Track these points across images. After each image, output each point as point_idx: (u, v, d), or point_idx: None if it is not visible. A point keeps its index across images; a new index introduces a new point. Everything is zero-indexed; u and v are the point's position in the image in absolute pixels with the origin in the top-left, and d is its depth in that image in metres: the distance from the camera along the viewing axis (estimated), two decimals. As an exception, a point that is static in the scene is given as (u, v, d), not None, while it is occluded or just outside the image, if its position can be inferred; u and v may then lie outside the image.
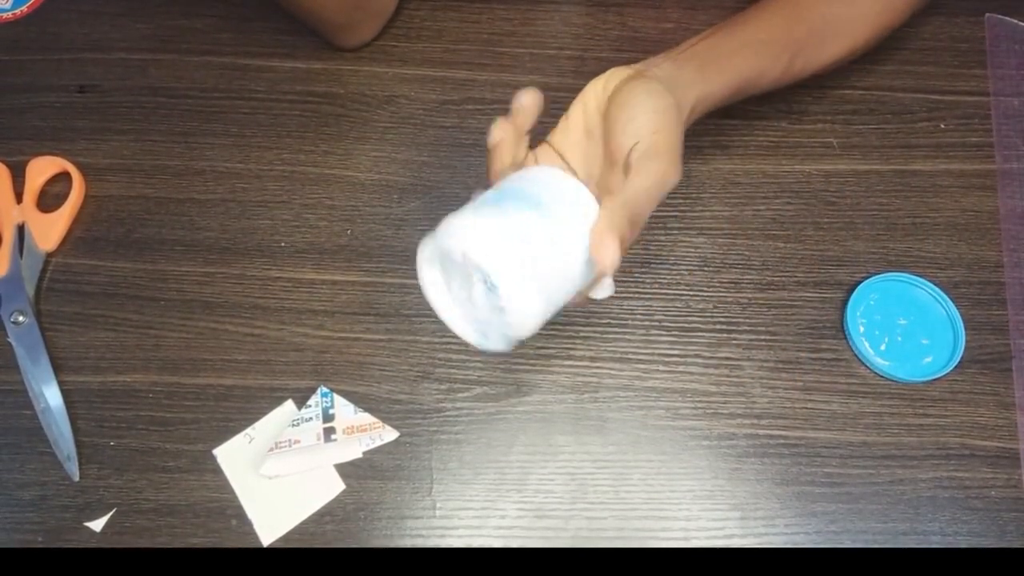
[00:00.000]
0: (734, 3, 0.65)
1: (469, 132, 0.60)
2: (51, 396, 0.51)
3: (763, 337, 0.54)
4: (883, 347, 0.53)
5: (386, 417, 0.51)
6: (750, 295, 0.55)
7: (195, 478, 0.50)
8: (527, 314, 0.38)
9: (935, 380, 0.53)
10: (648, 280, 0.55)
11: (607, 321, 0.54)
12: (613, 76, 0.46)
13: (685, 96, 0.46)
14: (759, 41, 0.51)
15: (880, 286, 0.55)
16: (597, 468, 0.50)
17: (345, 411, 0.51)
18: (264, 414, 0.51)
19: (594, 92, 0.46)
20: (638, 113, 0.42)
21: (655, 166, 0.41)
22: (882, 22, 0.55)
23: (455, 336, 0.53)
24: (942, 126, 0.61)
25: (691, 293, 0.55)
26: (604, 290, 0.52)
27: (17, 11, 0.64)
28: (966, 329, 0.54)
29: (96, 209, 0.57)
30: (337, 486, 0.50)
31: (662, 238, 0.56)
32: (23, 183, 0.57)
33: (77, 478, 0.49)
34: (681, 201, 0.58)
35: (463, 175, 0.59)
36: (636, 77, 0.44)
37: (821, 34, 0.53)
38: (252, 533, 0.48)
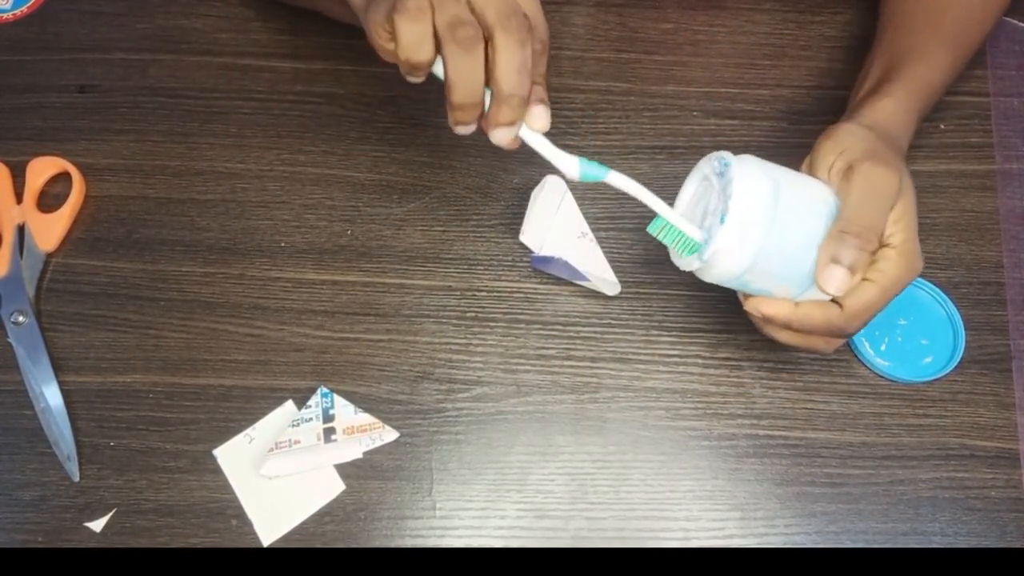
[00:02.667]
0: (734, 3, 0.65)
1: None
2: (51, 396, 0.51)
3: (763, 337, 0.54)
4: (883, 347, 0.53)
5: (386, 417, 0.51)
6: (750, 295, 0.55)
7: (195, 478, 0.50)
8: (741, 183, 0.42)
9: (935, 380, 0.53)
10: (648, 280, 0.55)
11: (607, 321, 0.54)
12: (847, 137, 0.45)
13: (907, 133, 0.49)
14: (921, 49, 0.53)
15: (880, 286, 0.55)
16: (597, 468, 0.50)
17: (345, 411, 0.51)
18: (264, 414, 0.51)
19: (826, 158, 0.46)
20: (900, 214, 0.43)
21: (905, 263, 0.43)
22: None
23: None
24: (942, 126, 0.61)
25: (691, 293, 0.55)
26: (610, 288, 0.53)
27: (17, 11, 0.64)
28: (966, 329, 0.54)
29: (96, 209, 0.57)
30: (337, 486, 0.50)
31: (662, 238, 0.56)
32: (23, 183, 0.57)
33: (77, 478, 0.49)
34: (681, 201, 0.58)
35: (463, 175, 0.59)
36: (878, 161, 0.44)
37: (968, 18, 0.55)
38: (252, 533, 0.48)
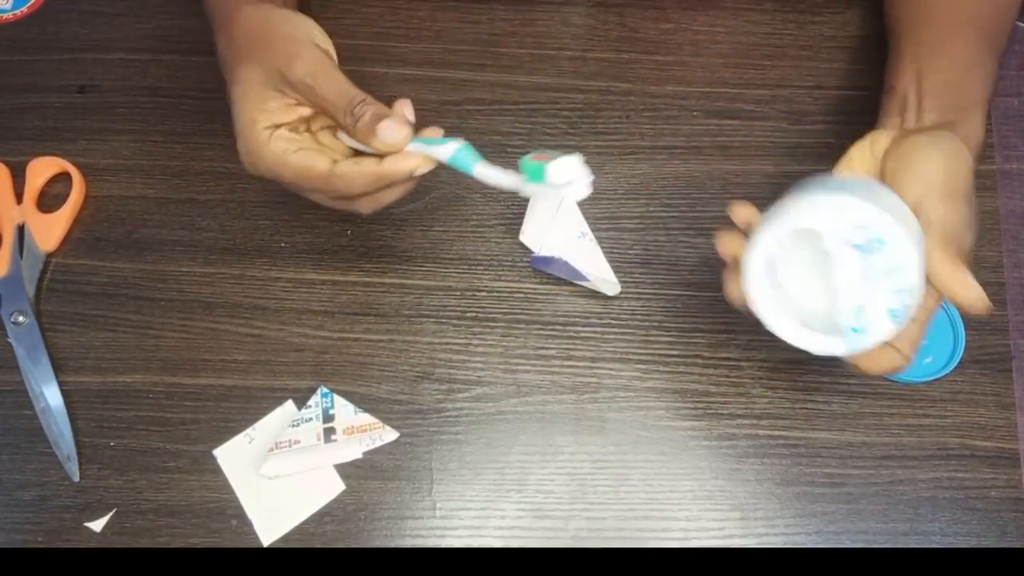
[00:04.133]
0: (734, 3, 0.65)
1: (469, 132, 0.60)
2: (51, 396, 0.51)
3: (763, 337, 0.53)
4: (883, 347, 0.53)
5: (386, 417, 0.51)
6: (750, 295, 0.55)
7: (195, 478, 0.50)
8: (913, 270, 0.37)
9: (935, 380, 0.53)
10: (648, 280, 0.55)
11: (607, 321, 0.54)
12: (879, 138, 0.45)
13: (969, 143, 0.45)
14: (966, 44, 0.50)
15: (880, 286, 0.55)
16: (597, 468, 0.50)
17: (345, 411, 0.51)
18: (264, 414, 0.51)
19: (860, 155, 0.45)
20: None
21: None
22: None
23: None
24: (942, 126, 0.61)
25: (691, 293, 0.55)
26: (610, 288, 0.52)
27: (17, 11, 0.64)
28: (966, 329, 0.54)
29: (96, 209, 0.57)
30: (337, 486, 0.50)
31: (662, 238, 0.56)
32: (23, 183, 0.57)
33: (77, 478, 0.49)
34: (681, 201, 0.58)
35: (463, 175, 0.58)
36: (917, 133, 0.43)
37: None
38: (252, 533, 0.48)
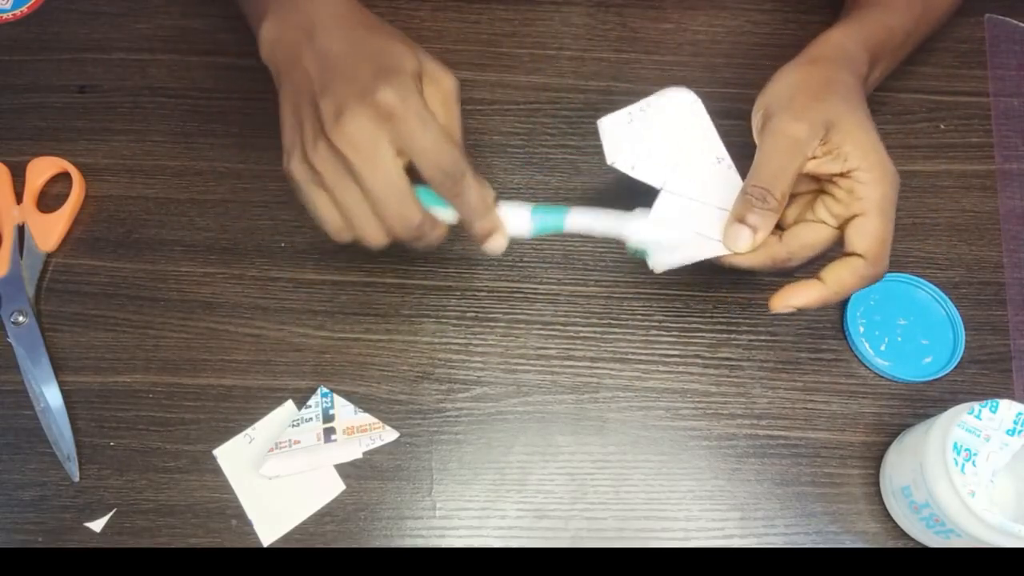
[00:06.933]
0: (734, 3, 0.65)
1: (469, 132, 0.60)
2: (51, 396, 0.51)
3: (763, 337, 0.54)
4: (883, 347, 0.53)
5: (386, 417, 0.51)
6: (750, 295, 0.55)
7: (195, 478, 0.50)
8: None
9: (935, 380, 0.53)
10: (648, 280, 0.55)
11: (607, 321, 0.54)
12: (771, 88, 0.47)
13: (856, 61, 0.48)
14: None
15: (880, 286, 0.55)
16: (597, 468, 0.50)
17: (345, 411, 0.51)
18: (264, 414, 0.51)
19: (754, 117, 0.48)
20: (839, 143, 0.43)
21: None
22: None
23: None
24: (942, 126, 0.61)
25: (691, 293, 0.55)
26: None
27: (17, 11, 0.64)
28: (966, 329, 0.54)
29: (96, 209, 0.57)
30: (337, 486, 0.50)
31: (662, 238, 0.56)
32: (23, 183, 0.57)
33: (77, 478, 0.49)
34: (681, 201, 0.58)
35: (463, 175, 0.59)
36: (786, 114, 0.45)
37: None
38: (252, 533, 0.48)
